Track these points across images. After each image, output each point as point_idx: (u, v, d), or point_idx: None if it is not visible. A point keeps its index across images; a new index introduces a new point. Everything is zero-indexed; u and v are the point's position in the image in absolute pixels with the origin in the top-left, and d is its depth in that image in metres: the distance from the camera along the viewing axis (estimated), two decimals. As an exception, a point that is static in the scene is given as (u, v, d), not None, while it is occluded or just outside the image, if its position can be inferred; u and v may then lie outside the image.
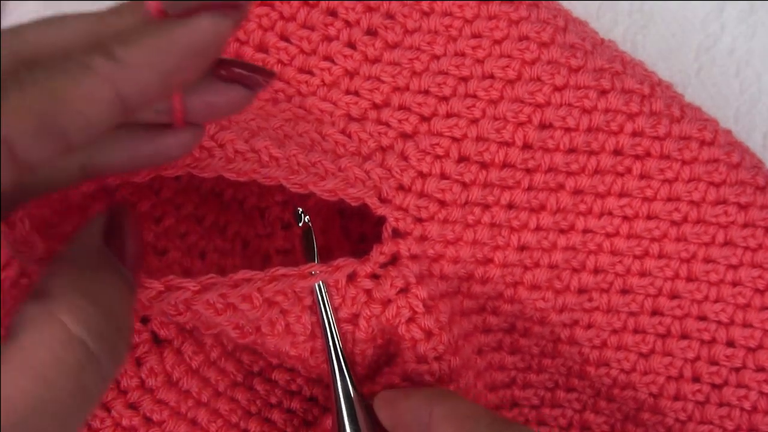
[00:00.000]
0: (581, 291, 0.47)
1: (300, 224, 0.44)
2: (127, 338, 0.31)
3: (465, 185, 0.44)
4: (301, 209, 0.44)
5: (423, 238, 0.43)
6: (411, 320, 0.43)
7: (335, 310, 0.42)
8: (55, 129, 0.26)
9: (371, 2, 0.46)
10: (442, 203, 0.43)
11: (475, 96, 0.44)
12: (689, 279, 0.48)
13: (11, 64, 0.26)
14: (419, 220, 0.43)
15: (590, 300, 0.47)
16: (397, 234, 0.43)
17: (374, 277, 0.43)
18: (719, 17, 0.57)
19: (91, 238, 0.32)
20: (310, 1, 0.46)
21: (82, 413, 0.28)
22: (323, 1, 0.46)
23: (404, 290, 0.43)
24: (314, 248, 0.43)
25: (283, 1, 0.46)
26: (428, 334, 0.43)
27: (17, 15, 0.55)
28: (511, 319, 0.48)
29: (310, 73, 0.46)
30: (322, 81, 0.46)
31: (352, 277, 0.42)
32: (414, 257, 0.43)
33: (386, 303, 0.43)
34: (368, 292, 0.42)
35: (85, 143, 0.27)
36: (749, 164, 0.47)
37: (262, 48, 0.46)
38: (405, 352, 0.43)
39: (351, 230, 0.53)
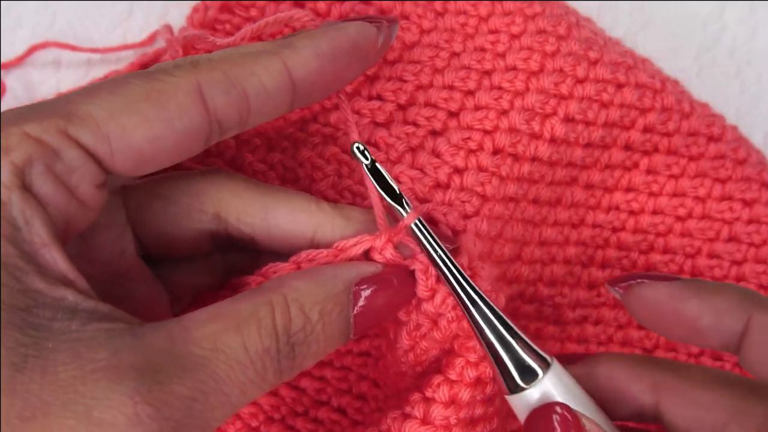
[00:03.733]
0: (591, 286, 0.47)
1: (366, 162, 0.37)
2: None
3: (502, 179, 0.43)
4: (361, 144, 0.38)
5: (478, 236, 0.42)
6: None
7: (422, 301, 0.38)
8: (239, 88, 0.32)
9: (384, 4, 0.46)
10: (484, 198, 0.42)
11: (501, 88, 0.44)
12: (694, 274, 0.48)
13: (190, 59, 0.33)
14: (466, 217, 0.42)
15: (599, 295, 0.47)
16: (455, 233, 0.41)
17: None
18: (720, 17, 0.58)
19: None
20: (322, 8, 0.46)
21: None
22: (336, 5, 0.45)
23: None
24: (388, 181, 0.37)
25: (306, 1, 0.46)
26: None
27: (17, 14, 0.55)
28: (524, 321, 0.48)
29: None
30: (344, 90, 0.45)
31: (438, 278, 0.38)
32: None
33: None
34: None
35: (261, 114, 0.34)
36: (755, 160, 0.47)
37: None
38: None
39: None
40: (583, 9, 0.51)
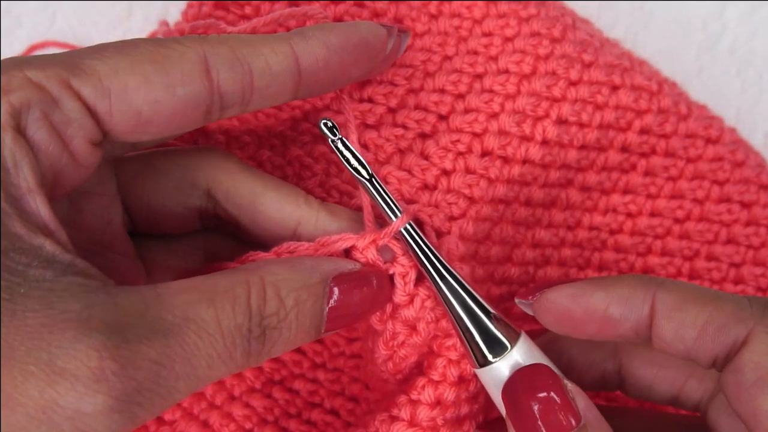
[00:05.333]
0: None
1: (332, 138, 0.37)
2: None
3: (491, 181, 0.43)
4: (330, 120, 0.38)
5: (462, 237, 0.42)
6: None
7: (400, 307, 0.38)
8: (244, 65, 0.33)
9: (378, 6, 0.46)
10: (471, 200, 0.42)
11: (491, 91, 0.43)
12: (692, 277, 0.48)
13: (198, 35, 0.33)
14: (452, 218, 0.42)
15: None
16: (439, 235, 0.41)
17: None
18: (720, 17, 0.58)
19: None
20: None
21: None
22: (331, 6, 0.45)
23: None
24: (358, 156, 0.37)
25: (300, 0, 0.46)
26: None
27: (17, 14, 0.55)
28: (519, 322, 0.48)
29: None
30: (336, 92, 0.45)
31: (420, 279, 0.38)
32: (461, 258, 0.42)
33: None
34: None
35: (264, 95, 0.34)
36: (753, 162, 0.47)
37: None
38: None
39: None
40: (583, 9, 0.51)
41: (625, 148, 0.45)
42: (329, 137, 0.37)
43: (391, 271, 0.36)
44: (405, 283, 0.36)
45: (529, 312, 0.36)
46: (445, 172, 0.42)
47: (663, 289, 0.33)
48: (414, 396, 0.37)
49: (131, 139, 0.32)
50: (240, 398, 0.44)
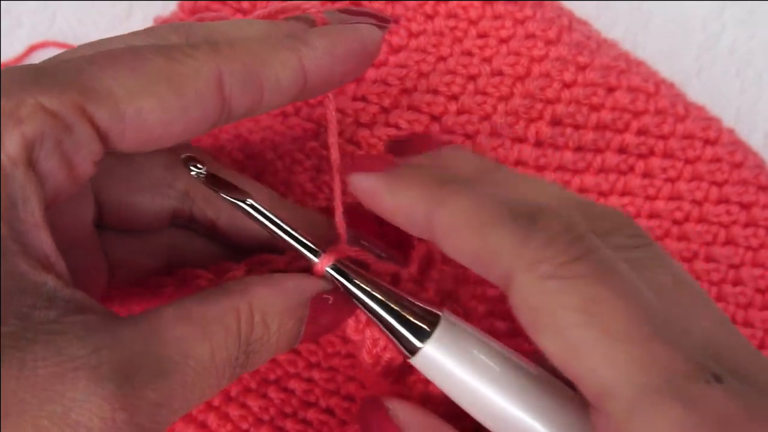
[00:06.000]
0: None
1: (197, 171, 0.35)
2: None
3: None
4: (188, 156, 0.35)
5: None
6: None
7: None
8: (256, 82, 0.32)
9: (375, 5, 0.46)
10: None
11: (485, 93, 0.43)
12: (691, 278, 0.48)
13: (203, 38, 0.33)
14: None
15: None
16: None
17: (416, 282, 0.40)
18: (720, 17, 0.57)
19: None
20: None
21: None
22: (327, 5, 0.45)
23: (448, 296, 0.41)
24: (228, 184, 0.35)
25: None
26: None
27: (17, 14, 0.55)
28: (517, 324, 0.48)
29: None
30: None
31: (396, 281, 0.38)
32: (447, 261, 0.42)
33: None
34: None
35: (269, 106, 0.33)
36: (752, 163, 0.47)
37: None
38: None
39: (388, 236, 0.51)
40: (582, 9, 0.51)
41: (622, 150, 0.45)
42: (193, 172, 0.35)
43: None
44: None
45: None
46: None
47: (441, 206, 0.31)
48: (407, 394, 0.37)
49: (133, 152, 0.31)
50: (236, 398, 0.45)
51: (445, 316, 0.34)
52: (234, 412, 0.44)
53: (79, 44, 0.53)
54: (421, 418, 0.35)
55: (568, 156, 0.44)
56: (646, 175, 0.46)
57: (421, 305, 0.35)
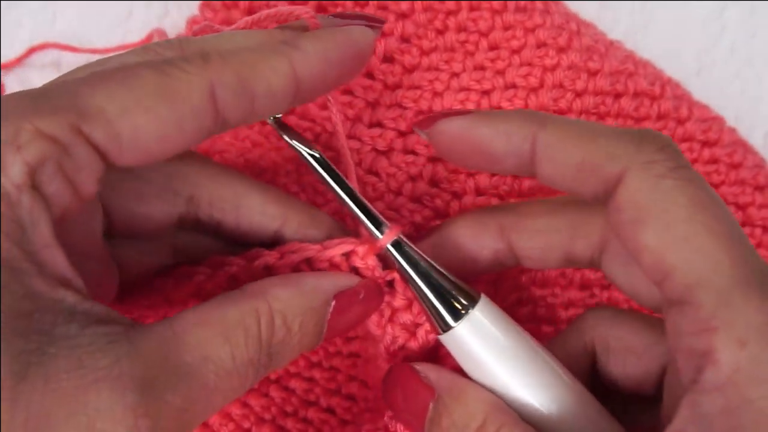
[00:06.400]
0: (583, 287, 0.48)
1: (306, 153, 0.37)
2: None
3: (501, 198, 0.43)
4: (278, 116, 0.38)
5: None
6: None
7: (398, 311, 0.38)
8: (248, 91, 0.32)
9: (385, 28, 0.45)
10: None
11: (499, 108, 0.44)
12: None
13: (196, 52, 0.32)
14: None
15: (591, 296, 0.48)
16: None
17: None
18: (720, 17, 0.58)
19: None
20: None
21: None
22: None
23: None
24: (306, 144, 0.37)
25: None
26: None
27: (17, 15, 0.55)
28: (523, 321, 0.48)
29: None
30: (345, 116, 0.45)
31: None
32: None
33: None
34: None
35: (262, 114, 0.34)
36: (751, 163, 0.47)
37: None
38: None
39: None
40: (583, 9, 0.51)
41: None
42: (304, 154, 0.37)
43: (388, 278, 0.37)
44: (405, 288, 0.37)
45: (425, 138, 0.37)
46: (456, 195, 0.43)
47: (544, 127, 0.34)
48: None
49: (133, 166, 0.32)
50: (238, 398, 0.45)
51: (483, 299, 0.36)
52: (236, 411, 0.44)
53: (79, 45, 0.54)
54: (451, 377, 0.36)
55: None
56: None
57: (463, 285, 0.36)
